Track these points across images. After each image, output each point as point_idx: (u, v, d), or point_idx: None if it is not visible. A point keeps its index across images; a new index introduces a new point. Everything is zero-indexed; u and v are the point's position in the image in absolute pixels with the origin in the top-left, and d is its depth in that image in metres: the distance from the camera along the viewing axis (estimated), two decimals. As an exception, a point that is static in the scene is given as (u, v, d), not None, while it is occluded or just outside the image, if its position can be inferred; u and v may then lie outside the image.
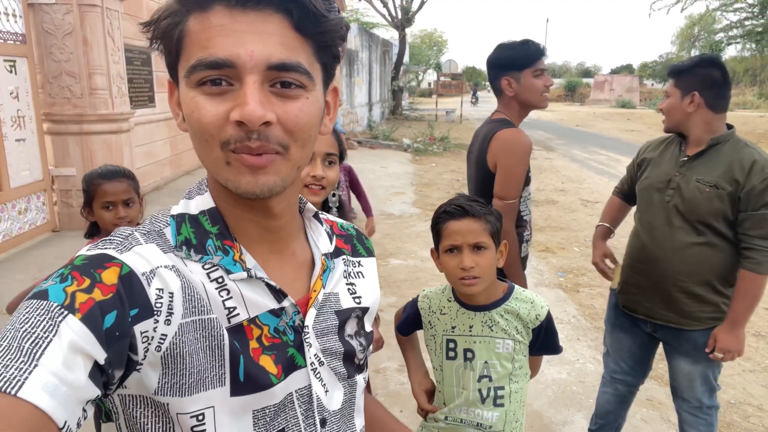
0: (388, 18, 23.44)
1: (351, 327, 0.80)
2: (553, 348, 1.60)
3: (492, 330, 1.51)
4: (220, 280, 0.66)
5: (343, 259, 0.83)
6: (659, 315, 2.11)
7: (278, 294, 0.70)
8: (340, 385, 0.77)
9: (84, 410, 0.52)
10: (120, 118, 6.24)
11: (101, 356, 0.53)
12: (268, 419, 0.68)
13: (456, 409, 1.55)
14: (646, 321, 2.17)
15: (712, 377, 2.13)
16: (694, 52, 47.76)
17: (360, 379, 0.82)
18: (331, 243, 0.82)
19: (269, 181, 0.63)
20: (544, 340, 1.55)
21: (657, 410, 3.12)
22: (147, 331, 0.59)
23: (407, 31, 24.04)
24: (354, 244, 0.88)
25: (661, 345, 2.26)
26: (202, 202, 0.70)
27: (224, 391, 0.65)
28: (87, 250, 0.62)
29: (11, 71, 5.21)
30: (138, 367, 0.59)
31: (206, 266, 0.66)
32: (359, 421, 0.83)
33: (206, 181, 0.72)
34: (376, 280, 0.88)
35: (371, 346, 1.41)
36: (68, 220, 5.99)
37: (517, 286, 1.59)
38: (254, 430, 0.67)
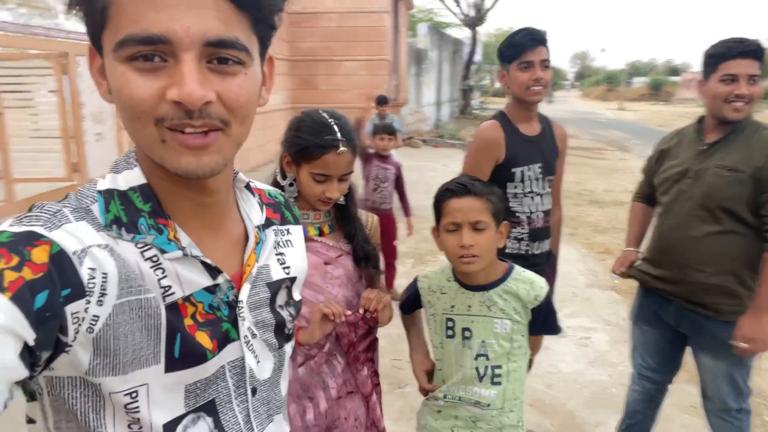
0: (461, 16, 23.25)
1: (281, 298, 0.81)
2: (552, 328, 1.60)
3: (490, 310, 1.52)
4: (154, 258, 0.65)
5: (273, 230, 0.83)
6: (683, 303, 2.04)
7: (213, 271, 0.70)
8: (271, 355, 0.79)
9: (10, 392, 0.51)
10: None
11: (31, 337, 0.51)
12: (199, 392, 0.69)
13: (454, 387, 1.57)
14: (670, 311, 2.09)
15: (740, 378, 2.01)
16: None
17: (288, 348, 0.83)
18: (262, 213, 0.82)
19: (212, 161, 0.62)
20: (543, 320, 1.56)
21: (701, 418, 2.94)
22: (78, 312, 0.57)
23: (480, 29, 23.76)
24: (282, 212, 0.87)
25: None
26: (132, 177, 0.67)
27: (159, 368, 0.64)
28: (10, 225, 0.58)
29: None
30: (67, 348, 0.57)
31: (139, 245, 0.64)
32: (284, 386, 0.85)
33: (134, 154, 0.69)
34: (303, 249, 0.89)
35: (384, 314, 1.47)
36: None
37: (517, 266, 1.58)
38: (185, 402, 0.68)
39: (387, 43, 13.06)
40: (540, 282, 1.56)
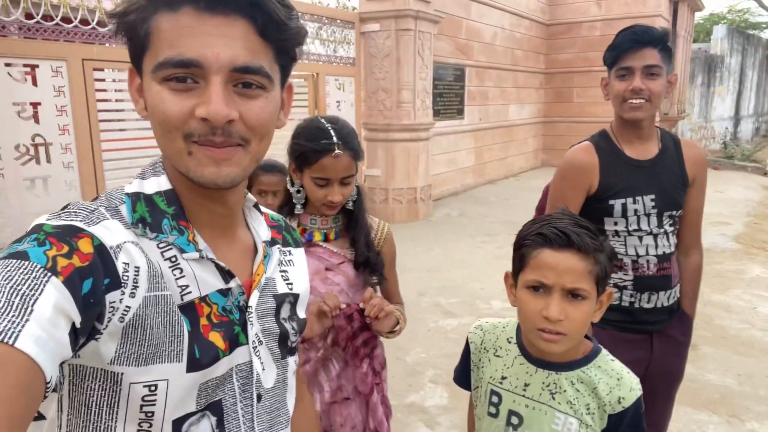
0: (780, 13, 19.10)
1: (285, 311, 0.86)
2: None
3: (554, 398, 1.14)
4: (173, 259, 0.71)
5: (278, 248, 0.88)
6: None
7: (226, 275, 0.75)
8: (275, 365, 0.83)
9: (60, 370, 0.57)
10: (420, 128, 7.06)
11: (78, 320, 0.56)
12: (209, 391, 0.73)
13: None
14: None
15: None
16: None
17: (291, 361, 0.87)
18: (268, 232, 0.88)
19: (232, 173, 0.69)
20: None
21: None
22: (114, 302, 0.62)
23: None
24: (284, 235, 0.93)
25: None
26: (158, 183, 0.74)
27: (181, 367, 0.69)
28: (48, 219, 0.64)
29: (340, 88, 6.53)
30: (97, 336, 0.61)
31: (161, 245, 0.70)
32: (291, 401, 0.88)
33: (161, 164, 0.76)
34: (305, 270, 0.94)
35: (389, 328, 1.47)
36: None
37: (604, 351, 1.20)
38: (197, 400, 0.72)
39: (659, 50, 11.59)
40: (631, 381, 1.14)
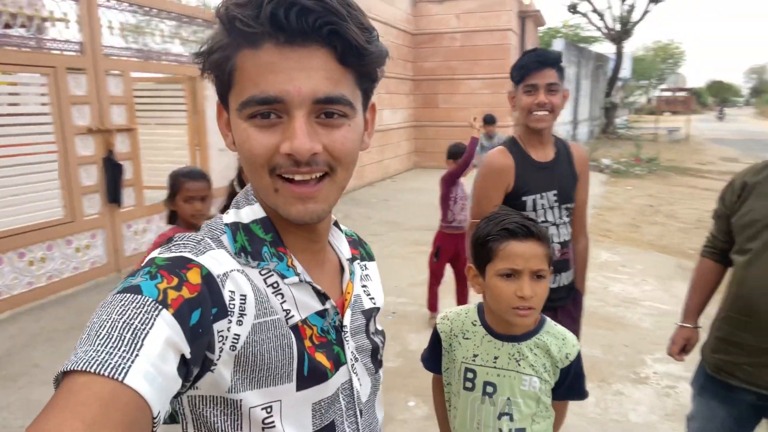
0: (604, 31, 21.96)
1: (372, 326, 0.88)
2: (580, 392, 1.42)
3: (519, 364, 1.36)
4: (275, 285, 0.72)
5: (358, 264, 0.90)
6: (765, 383, 1.67)
7: (322, 297, 0.77)
8: (369, 379, 0.85)
9: (170, 404, 0.56)
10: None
11: (187, 351, 0.57)
12: (323, 411, 0.75)
13: None
14: (748, 390, 1.72)
15: None
16: None
17: (381, 373, 0.89)
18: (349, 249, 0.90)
19: (318, 209, 0.70)
20: (571, 382, 1.39)
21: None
22: (222, 331, 0.63)
23: (630, 43, 22.19)
24: (360, 250, 0.94)
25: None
26: (252, 212, 0.75)
27: (291, 386, 0.70)
28: (160, 252, 0.66)
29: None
30: (212, 367, 0.63)
31: (263, 272, 0.72)
32: (380, 413, 0.90)
33: (253, 192, 0.77)
34: (380, 282, 0.96)
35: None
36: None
37: (549, 319, 1.43)
38: (313, 421, 0.74)
39: (510, 60, 12.78)
40: (572, 339, 1.40)
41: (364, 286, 0.88)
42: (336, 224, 0.89)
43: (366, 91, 0.73)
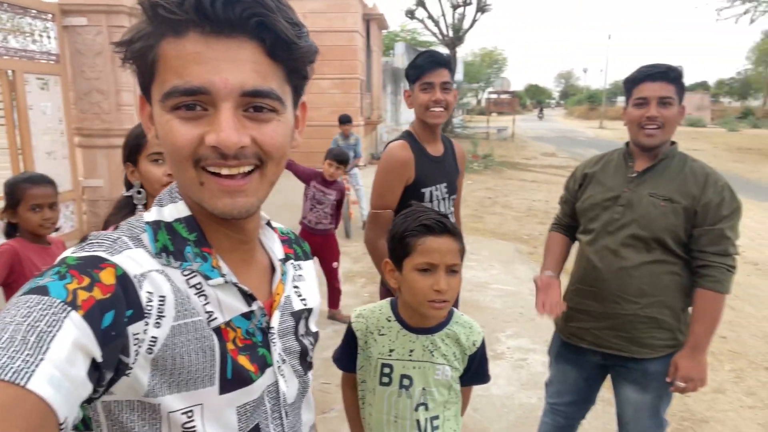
0: (439, 37, 23.53)
1: (302, 327, 0.86)
2: (484, 377, 1.51)
3: (433, 355, 1.40)
4: (198, 286, 0.69)
5: (291, 264, 0.87)
6: (609, 343, 1.94)
7: (248, 298, 0.74)
8: (296, 381, 0.83)
9: (78, 410, 0.53)
10: (145, 132, 6.57)
11: (98, 354, 0.54)
12: (248, 414, 0.73)
13: None
14: (595, 351, 2.00)
15: (662, 410, 1.96)
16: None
17: (310, 375, 0.88)
18: (281, 248, 0.87)
19: (247, 203, 0.67)
20: (477, 368, 1.46)
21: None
22: (138, 333, 0.60)
23: (462, 49, 24.03)
24: (295, 248, 0.92)
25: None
26: (176, 210, 0.72)
27: (213, 390, 0.68)
28: (73, 252, 0.63)
29: (44, 88, 5.62)
30: (128, 371, 0.60)
31: (185, 273, 0.69)
32: (306, 416, 0.88)
33: (177, 191, 0.74)
34: (315, 283, 0.93)
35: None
36: (96, 229, 6.34)
37: (456, 310, 1.50)
38: (238, 425, 0.72)
39: (359, 62, 13.14)
40: (477, 327, 1.48)
41: (296, 287, 0.87)
42: (269, 223, 0.87)
43: (296, 87, 0.72)
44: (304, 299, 0.87)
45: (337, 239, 4.58)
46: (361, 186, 7.36)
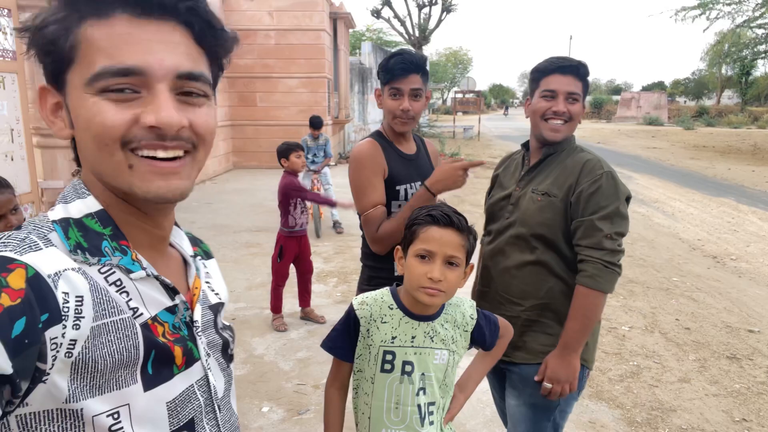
0: (405, 36, 23.62)
1: (219, 321, 0.85)
2: (499, 329, 1.54)
3: (432, 341, 1.43)
4: (118, 282, 0.66)
5: (199, 260, 0.87)
6: None
7: (171, 292, 0.73)
8: (222, 374, 0.82)
9: (5, 425, 0.50)
10: (108, 132, 6.39)
11: (8, 367, 0.50)
12: (179, 409, 0.71)
13: None
14: None
15: (544, 422, 1.81)
16: (725, 69, 46.65)
17: (232, 368, 0.88)
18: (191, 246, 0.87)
19: (181, 185, 0.66)
20: (489, 329, 1.50)
21: (595, 434, 2.97)
22: (56, 338, 0.56)
23: (427, 49, 24.14)
24: (199, 247, 0.92)
25: None
26: (85, 205, 0.68)
27: (138, 387, 0.66)
28: None
29: (0, 87, 5.40)
30: (44, 378, 0.56)
31: (102, 270, 0.65)
32: (235, 407, 0.89)
33: (83, 186, 0.70)
34: (221, 278, 0.94)
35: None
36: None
37: None
38: (169, 420, 0.70)
39: (326, 60, 13.07)
40: (467, 300, 1.51)
41: (207, 282, 0.87)
42: (175, 222, 0.87)
43: (215, 77, 0.72)
44: (217, 293, 0.87)
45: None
46: (331, 185, 7.37)
